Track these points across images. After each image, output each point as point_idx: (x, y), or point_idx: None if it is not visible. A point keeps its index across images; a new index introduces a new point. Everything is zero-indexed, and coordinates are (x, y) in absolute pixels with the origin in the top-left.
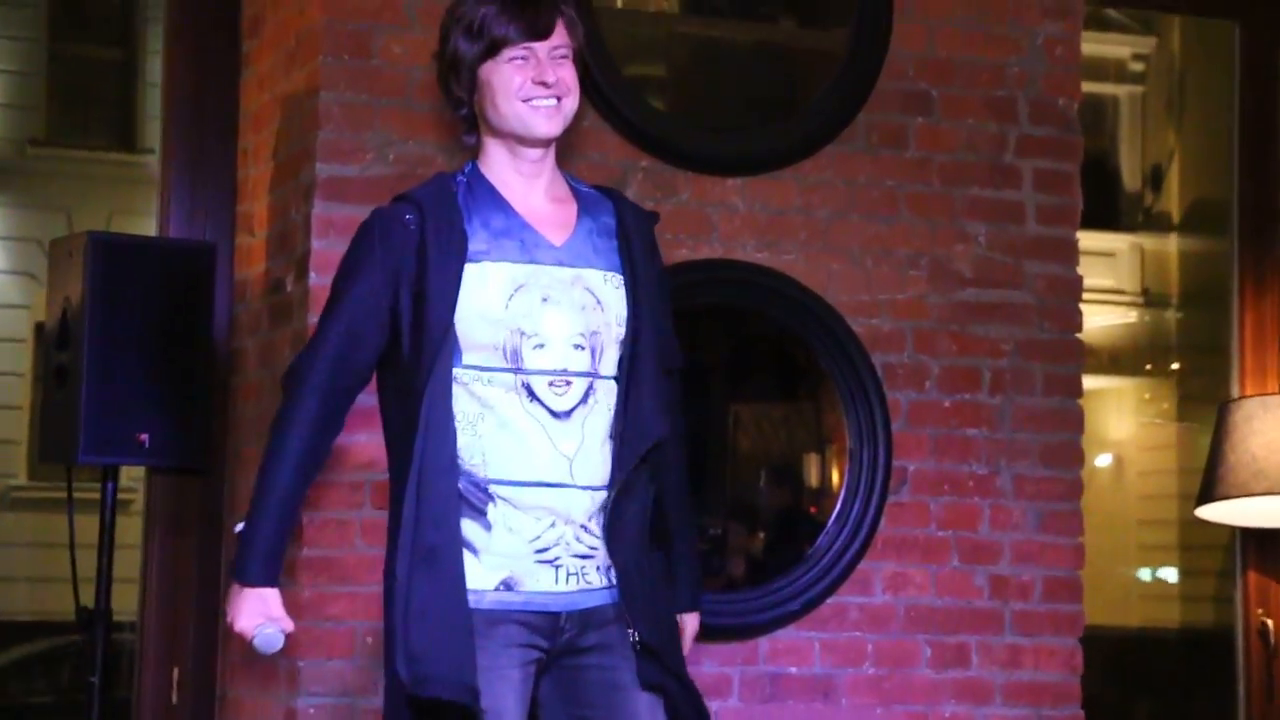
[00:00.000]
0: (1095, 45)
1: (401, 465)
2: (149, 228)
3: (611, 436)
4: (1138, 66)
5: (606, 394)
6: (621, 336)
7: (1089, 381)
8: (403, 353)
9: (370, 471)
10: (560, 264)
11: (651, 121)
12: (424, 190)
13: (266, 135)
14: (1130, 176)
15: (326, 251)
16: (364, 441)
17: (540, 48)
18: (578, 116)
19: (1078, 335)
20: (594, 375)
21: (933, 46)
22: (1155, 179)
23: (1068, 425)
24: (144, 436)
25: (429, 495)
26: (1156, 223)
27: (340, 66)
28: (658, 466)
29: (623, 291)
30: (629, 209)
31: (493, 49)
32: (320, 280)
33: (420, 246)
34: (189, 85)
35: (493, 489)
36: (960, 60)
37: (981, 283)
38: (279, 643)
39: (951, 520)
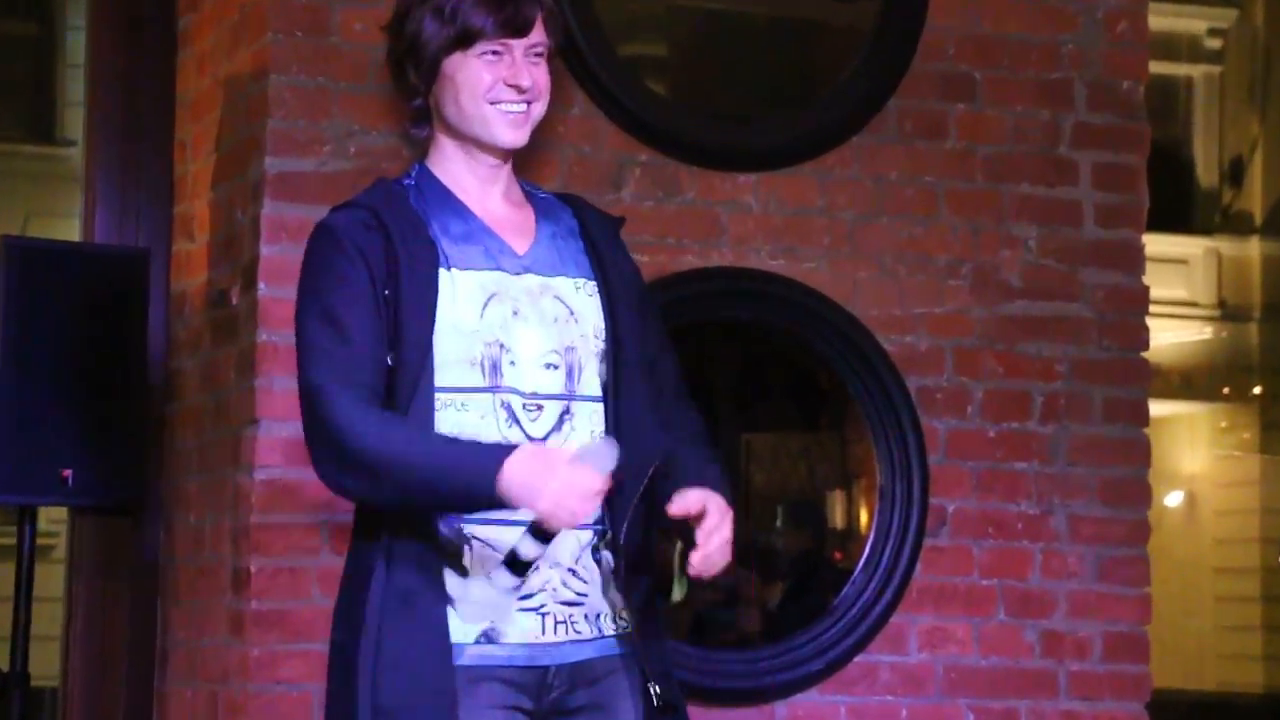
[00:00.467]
0: (1165, 18)
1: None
2: (72, 231)
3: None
4: (1215, 43)
5: (588, 418)
6: (601, 351)
7: (1157, 407)
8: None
9: (329, 512)
10: (526, 271)
11: (651, 109)
12: (370, 196)
13: (207, 124)
14: (1205, 171)
15: (278, 258)
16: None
17: (517, 45)
18: (566, 104)
19: (1143, 354)
20: (569, 397)
21: (976, 21)
22: (1235, 173)
23: (1132, 458)
24: (67, 472)
25: (406, 534)
26: (1236, 224)
27: (292, 45)
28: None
29: (597, 299)
30: (589, 211)
31: (464, 40)
32: (271, 291)
33: (387, 253)
34: (117, 66)
35: (467, 530)
36: (1008, 37)
37: (1032, 294)
38: (609, 454)
39: (998, 567)
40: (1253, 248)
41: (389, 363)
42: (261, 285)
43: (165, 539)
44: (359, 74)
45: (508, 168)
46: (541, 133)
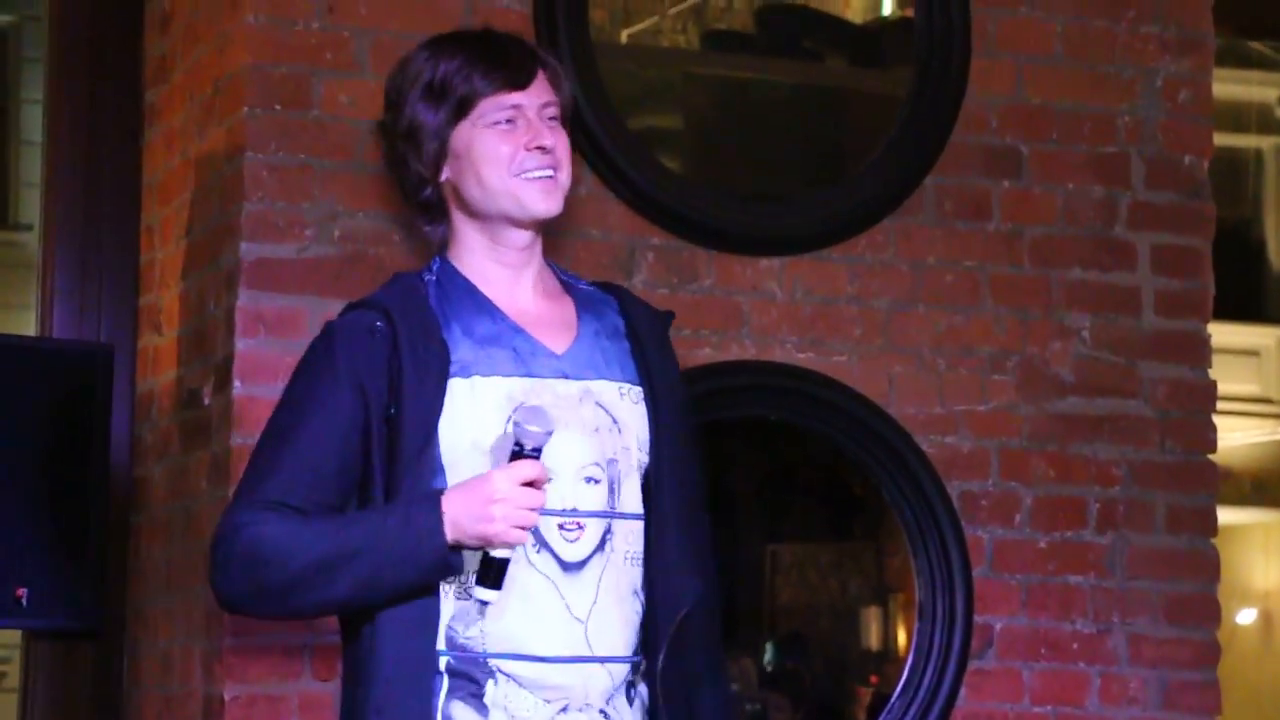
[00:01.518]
0: (1230, 86)
1: (357, 626)
2: (27, 325)
3: (636, 593)
4: None
5: (627, 538)
6: (645, 464)
7: (1226, 515)
8: (373, 491)
9: (311, 633)
10: (564, 376)
11: (665, 187)
12: (386, 293)
13: (177, 208)
14: (1277, 253)
15: (254, 353)
16: None
17: (527, 104)
18: (571, 182)
19: (1210, 456)
20: (611, 515)
21: (1022, 89)
22: None
23: (1199, 571)
24: (21, 591)
25: (395, 668)
26: None
27: (270, 120)
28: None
29: (642, 407)
30: (637, 306)
31: (463, 108)
32: (246, 390)
33: (392, 361)
34: (77, 144)
35: (493, 664)
36: (1057, 107)
37: (1086, 390)
38: (539, 415)
39: (1051, 693)
40: None
41: (345, 496)
42: (236, 383)
43: (130, 665)
44: (343, 151)
45: (538, 256)
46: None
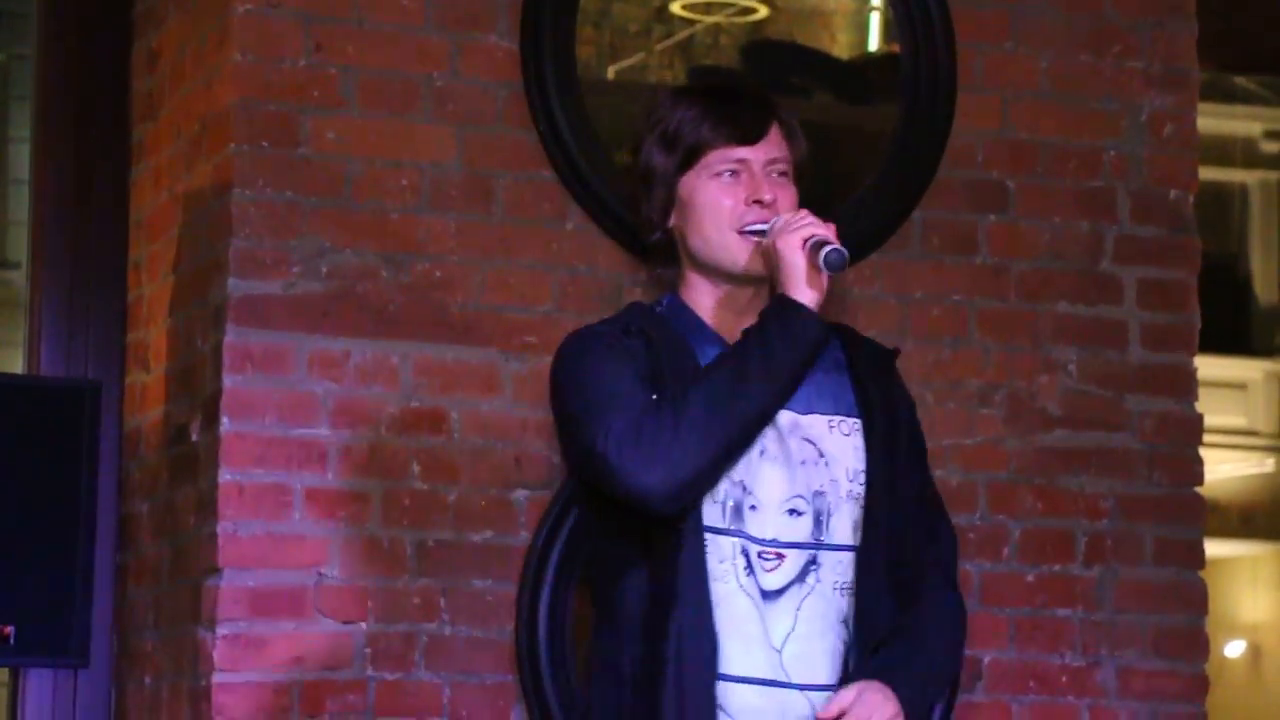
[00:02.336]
0: (1216, 120)
1: (638, 656)
2: (14, 362)
3: (845, 622)
4: (1272, 146)
5: (835, 569)
6: (860, 495)
7: (1214, 548)
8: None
9: (300, 669)
10: (781, 408)
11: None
12: (626, 313)
13: (164, 244)
14: (1264, 286)
15: (242, 390)
16: (291, 630)
17: (753, 159)
18: (559, 219)
19: (1198, 489)
20: (816, 546)
21: (1008, 125)
22: None
23: (1187, 604)
24: (8, 629)
25: (686, 708)
26: None
27: (258, 156)
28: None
29: (855, 439)
30: (859, 342)
31: (691, 157)
32: (235, 426)
33: (650, 357)
34: (64, 181)
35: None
36: (1044, 142)
37: (1073, 423)
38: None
39: None
40: None
41: None
42: (224, 420)
43: (117, 702)
44: (331, 188)
45: (764, 296)
46: (530, 250)
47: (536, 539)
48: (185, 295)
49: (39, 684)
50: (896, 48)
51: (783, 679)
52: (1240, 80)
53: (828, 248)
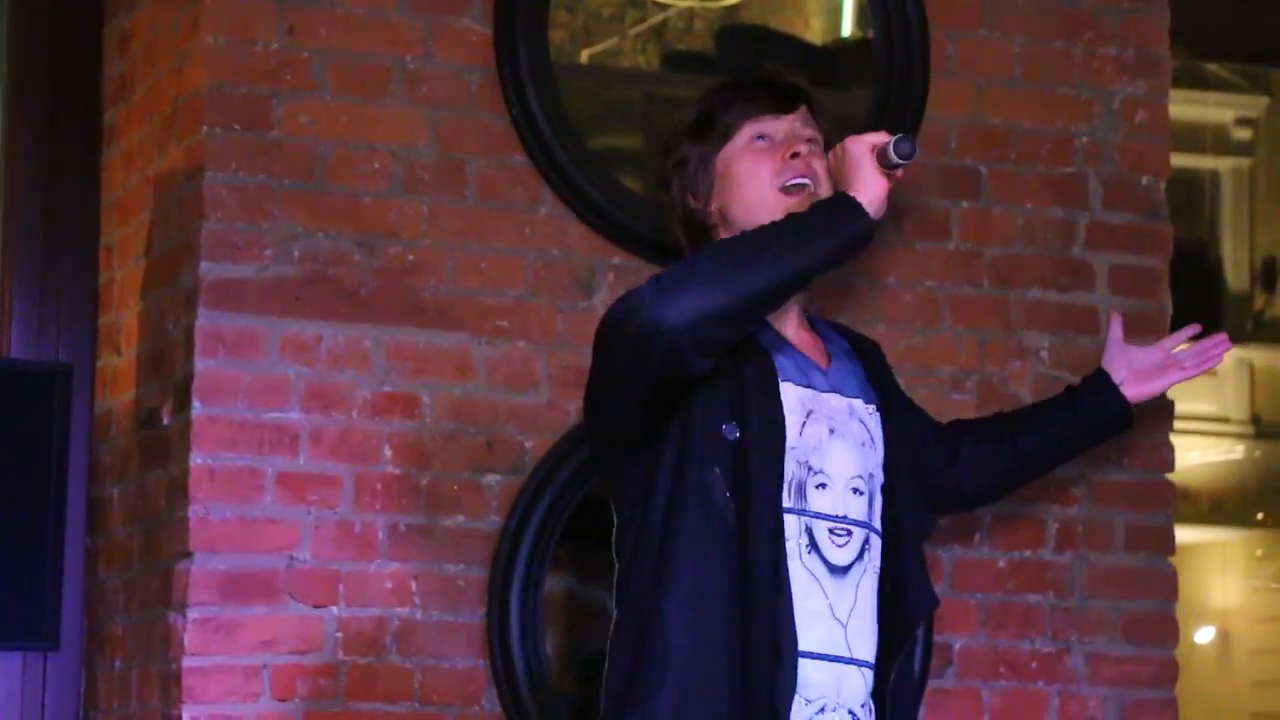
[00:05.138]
0: (1188, 107)
1: (703, 628)
2: None
3: (878, 604)
4: (1243, 133)
5: (877, 551)
6: (883, 482)
7: (1184, 534)
8: (710, 477)
9: (271, 653)
10: (835, 391)
11: (625, 207)
12: None
13: (136, 227)
14: (1235, 273)
15: (214, 374)
16: (262, 614)
17: (784, 126)
18: (531, 202)
19: (1168, 475)
20: (869, 526)
21: (980, 111)
22: (1268, 276)
23: (1157, 590)
24: None
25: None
26: (1270, 331)
27: (230, 139)
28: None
29: (878, 427)
30: (856, 335)
31: (726, 134)
32: (206, 410)
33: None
34: (35, 163)
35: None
36: (1016, 129)
37: None
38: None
39: (1010, 711)
40: None
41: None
42: (195, 404)
43: (87, 686)
44: (304, 171)
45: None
46: (502, 234)
47: (509, 524)
48: (157, 278)
49: (8, 667)
50: (870, 33)
51: (845, 654)
52: (1212, 67)
53: (897, 137)
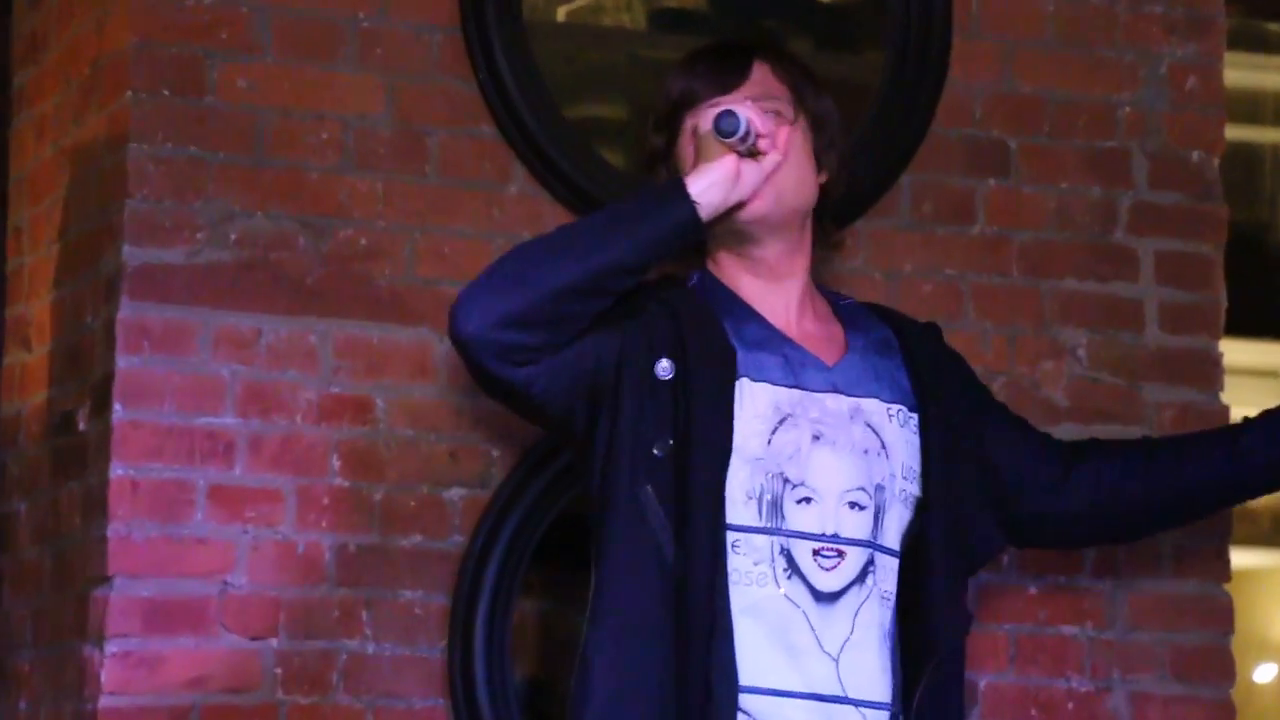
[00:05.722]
0: (1245, 72)
1: (649, 660)
2: None
3: (888, 635)
4: None
5: (887, 574)
6: (911, 496)
7: (1241, 558)
8: (643, 497)
9: (201, 691)
10: (835, 390)
11: (606, 184)
12: (656, 283)
13: (49, 206)
14: None
15: (138, 372)
16: (191, 647)
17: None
18: (500, 180)
19: None
20: (874, 546)
21: (1010, 77)
22: None
23: (1211, 621)
24: None
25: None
26: None
27: (158, 106)
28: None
29: (909, 431)
30: (907, 322)
31: (676, 125)
32: (129, 414)
33: (673, 335)
34: None
35: (740, 700)
36: (1049, 97)
37: (1082, 415)
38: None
39: None
40: None
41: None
42: (117, 406)
43: None
44: (241, 143)
45: (801, 273)
46: (468, 215)
47: (473, 544)
48: (73, 264)
49: None
50: None
51: (838, 692)
52: (1273, 27)
53: (720, 110)
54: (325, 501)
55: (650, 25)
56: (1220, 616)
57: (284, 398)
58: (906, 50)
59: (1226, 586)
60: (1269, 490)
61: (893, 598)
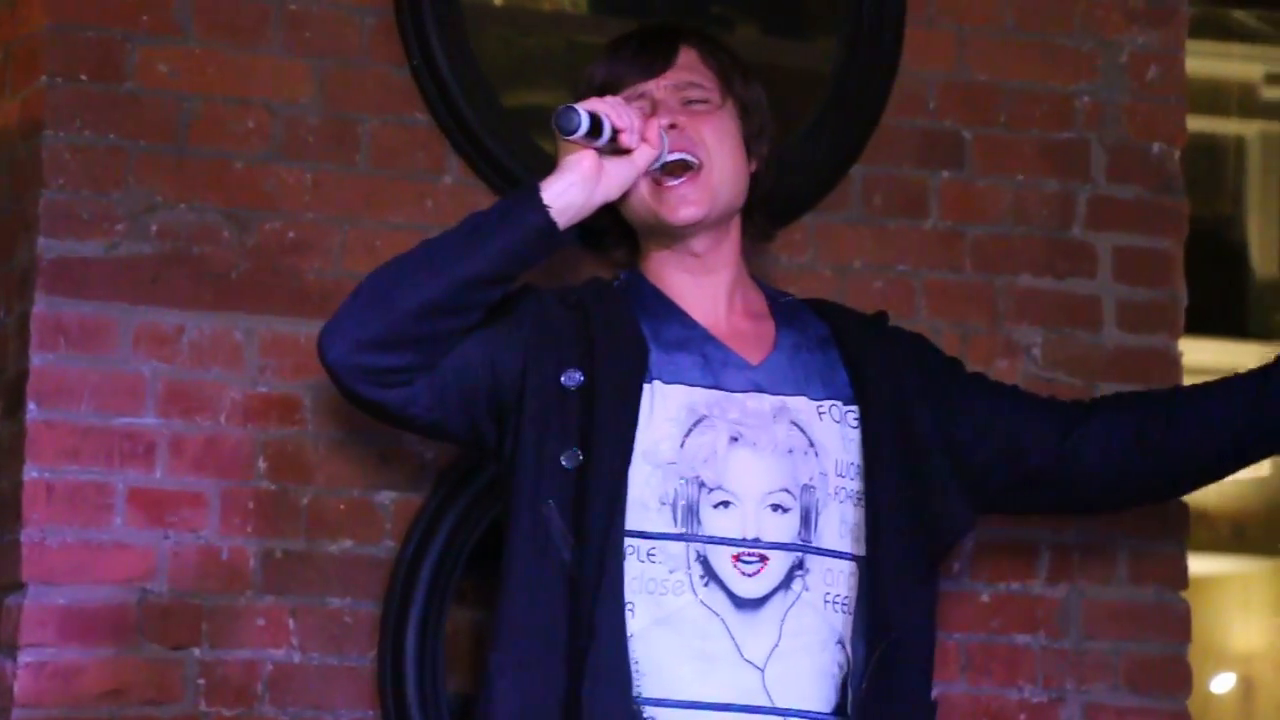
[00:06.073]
0: (1208, 61)
1: (549, 672)
2: None
3: (842, 643)
4: (1274, 92)
5: (825, 578)
6: (854, 492)
7: (1200, 564)
8: (555, 505)
9: (119, 704)
10: (758, 390)
11: (545, 174)
12: (580, 287)
13: None
14: (1262, 257)
15: (53, 370)
16: (108, 657)
17: (656, 90)
18: (434, 170)
19: (1181, 498)
20: (804, 548)
21: (964, 65)
22: None
23: (1168, 630)
24: None
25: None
26: None
27: (75, 92)
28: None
29: (845, 427)
30: (845, 315)
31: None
32: (44, 414)
33: (580, 338)
34: None
35: (649, 712)
36: (1006, 86)
37: None
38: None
39: None
40: None
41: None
42: (31, 406)
43: None
44: (163, 131)
45: (731, 266)
46: (401, 207)
47: (405, 550)
48: None
49: None
50: None
51: (764, 703)
52: (1237, 14)
53: (560, 108)
54: (250, 505)
55: (591, 9)
56: (1177, 625)
57: (207, 397)
58: (858, 37)
59: (1184, 594)
60: None
61: (845, 600)
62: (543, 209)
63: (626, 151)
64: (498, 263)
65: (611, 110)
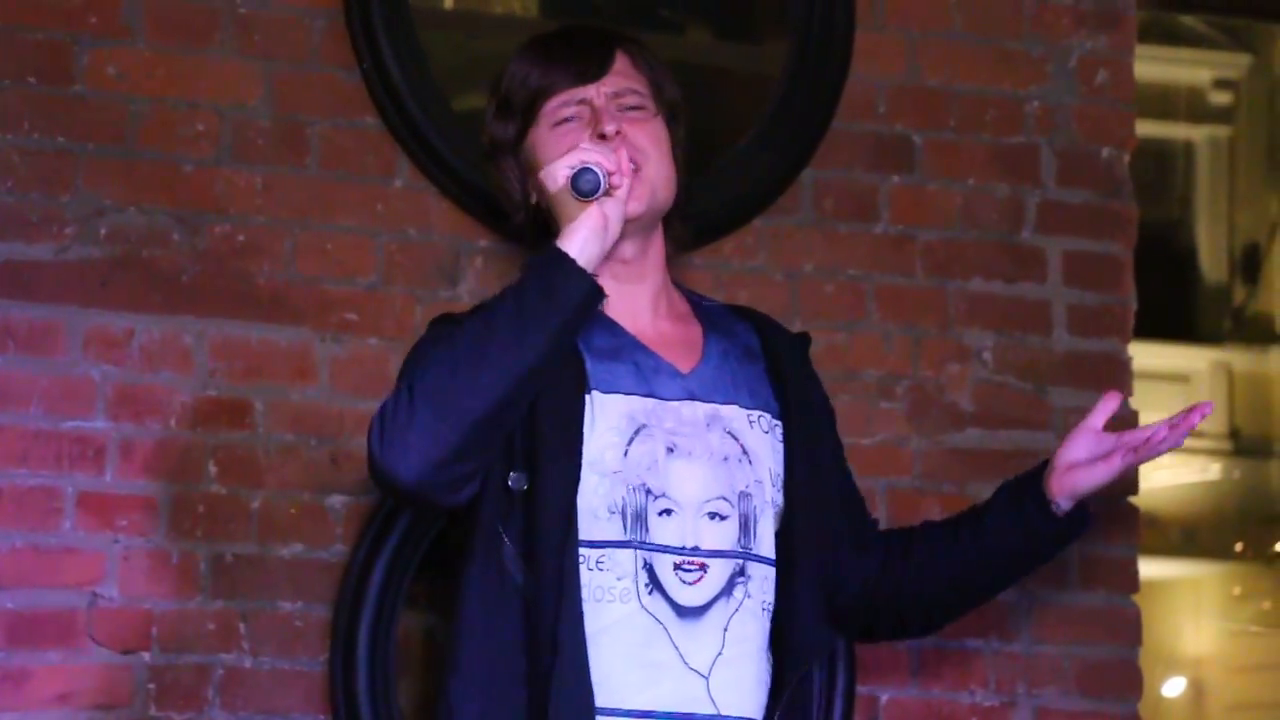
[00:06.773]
0: (1157, 66)
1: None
2: None
3: (764, 649)
4: (1222, 97)
5: (762, 585)
6: (780, 504)
7: (1150, 568)
8: (504, 529)
9: (69, 708)
10: (691, 398)
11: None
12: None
13: None
14: (1211, 262)
15: (3, 374)
16: (58, 662)
17: (594, 96)
18: (384, 173)
19: (1131, 499)
20: (744, 555)
21: (914, 69)
22: (1250, 265)
23: (1119, 634)
24: None
25: None
26: (1252, 330)
27: (23, 94)
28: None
29: (773, 438)
30: (772, 328)
31: (529, 113)
32: None
33: None
34: None
35: None
36: (956, 90)
37: (988, 419)
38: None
39: None
40: (1273, 361)
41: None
42: None
43: None
44: (112, 133)
45: (657, 272)
46: (351, 211)
47: (356, 554)
48: None
49: None
50: None
51: (709, 710)
52: (1186, 20)
53: (578, 167)
54: (200, 509)
55: (541, 12)
56: (1128, 629)
57: (157, 400)
58: (808, 41)
59: (1135, 598)
60: (1021, 574)
61: (771, 610)
62: (583, 274)
63: (612, 191)
64: (557, 341)
65: (601, 158)
